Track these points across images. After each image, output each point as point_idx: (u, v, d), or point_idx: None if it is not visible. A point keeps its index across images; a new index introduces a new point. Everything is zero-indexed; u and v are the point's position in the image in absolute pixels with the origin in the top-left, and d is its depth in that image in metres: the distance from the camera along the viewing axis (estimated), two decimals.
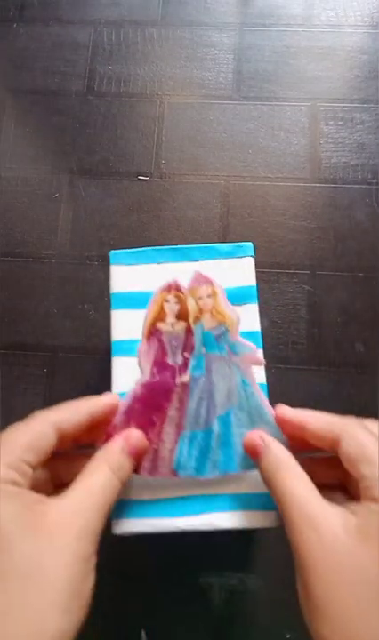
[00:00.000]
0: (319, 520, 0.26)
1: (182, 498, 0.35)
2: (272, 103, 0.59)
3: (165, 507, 0.35)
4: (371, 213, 0.55)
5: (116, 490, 0.30)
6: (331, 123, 0.58)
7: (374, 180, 0.56)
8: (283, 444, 0.33)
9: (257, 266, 0.55)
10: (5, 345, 0.52)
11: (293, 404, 0.48)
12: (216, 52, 0.62)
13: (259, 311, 0.53)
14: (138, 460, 0.33)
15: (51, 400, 0.51)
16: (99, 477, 0.30)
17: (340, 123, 0.58)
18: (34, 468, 0.29)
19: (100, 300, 0.53)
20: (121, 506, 0.35)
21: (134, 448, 0.33)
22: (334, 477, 0.32)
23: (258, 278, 0.54)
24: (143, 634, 0.44)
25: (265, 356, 0.51)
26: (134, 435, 0.33)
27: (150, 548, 0.46)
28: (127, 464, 0.32)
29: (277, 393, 0.50)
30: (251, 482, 0.35)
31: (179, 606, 0.45)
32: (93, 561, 0.28)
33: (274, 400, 0.50)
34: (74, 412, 0.31)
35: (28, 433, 0.29)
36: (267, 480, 0.31)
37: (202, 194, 0.56)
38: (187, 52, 0.62)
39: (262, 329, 0.53)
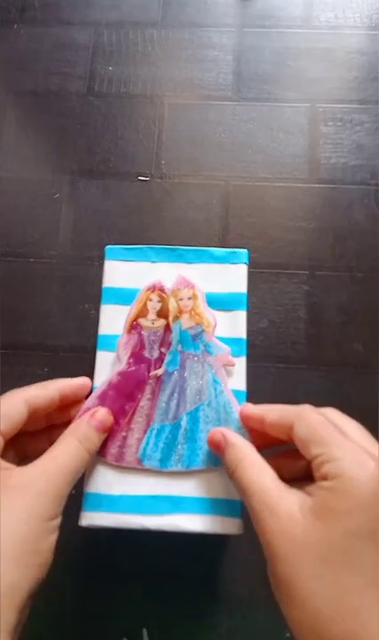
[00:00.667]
0: (278, 506, 0.27)
1: (151, 496, 0.36)
2: (272, 104, 0.59)
3: (133, 503, 0.36)
4: (370, 214, 0.55)
5: (83, 459, 0.33)
6: (330, 124, 0.58)
7: (373, 181, 0.56)
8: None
9: (257, 266, 0.56)
10: (6, 345, 0.53)
11: (292, 404, 0.49)
12: (216, 53, 0.62)
13: (258, 311, 0.54)
14: (104, 432, 0.36)
15: None
16: (65, 446, 0.32)
17: (339, 124, 0.58)
18: (4, 436, 0.31)
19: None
20: (90, 499, 0.36)
21: (100, 422, 0.35)
22: (300, 469, 0.33)
23: (257, 278, 0.55)
24: (145, 632, 0.44)
25: (265, 356, 0.52)
26: (100, 411, 0.36)
27: (151, 547, 0.46)
28: (94, 436, 0.34)
29: (276, 393, 0.51)
30: (219, 487, 0.36)
31: (180, 606, 0.45)
32: (55, 522, 0.29)
33: (273, 401, 0.50)
34: (43, 388, 0.34)
35: (0, 405, 0.31)
36: (230, 474, 0.32)
37: (202, 194, 0.57)
38: (187, 53, 0.62)
39: (261, 329, 0.53)
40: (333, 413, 0.32)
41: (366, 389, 0.50)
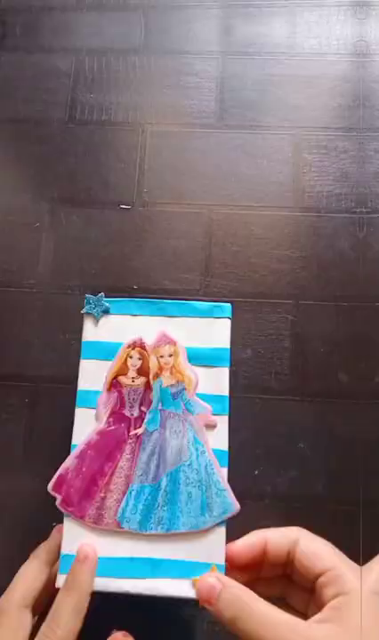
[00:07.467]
0: None
1: (130, 559, 0.35)
2: (255, 132, 0.59)
3: (111, 566, 0.35)
4: (355, 243, 0.55)
5: None
6: (314, 151, 0.58)
7: (358, 210, 0.56)
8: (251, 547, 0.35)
9: (240, 295, 0.55)
10: None
11: (276, 435, 0.48)
12: (199, 80, 0.61)
13: (242, 341, 0.53)
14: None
15: (32, 431, 0.50)
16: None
17: (323, 151, 0.58)
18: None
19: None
20: (67, 561, 0.35)
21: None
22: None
23: (241, 308, 0.54)
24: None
25: (249, 386, 0.52)
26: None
27: None
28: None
29: (260, 423, 0.50)
30: (200, 550, 0.35)
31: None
32: None
33: (257, 434, 0.49)
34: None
35: None
36: (229, 624, 0.32)
37: (185, 223, 0.56)
38: (169, 80, 0.62)
39: (245, 359, 0.53)
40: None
41: (350, 420, 0.50)
